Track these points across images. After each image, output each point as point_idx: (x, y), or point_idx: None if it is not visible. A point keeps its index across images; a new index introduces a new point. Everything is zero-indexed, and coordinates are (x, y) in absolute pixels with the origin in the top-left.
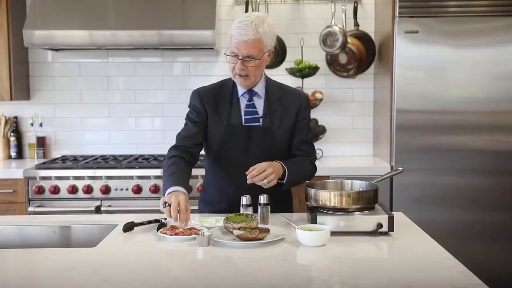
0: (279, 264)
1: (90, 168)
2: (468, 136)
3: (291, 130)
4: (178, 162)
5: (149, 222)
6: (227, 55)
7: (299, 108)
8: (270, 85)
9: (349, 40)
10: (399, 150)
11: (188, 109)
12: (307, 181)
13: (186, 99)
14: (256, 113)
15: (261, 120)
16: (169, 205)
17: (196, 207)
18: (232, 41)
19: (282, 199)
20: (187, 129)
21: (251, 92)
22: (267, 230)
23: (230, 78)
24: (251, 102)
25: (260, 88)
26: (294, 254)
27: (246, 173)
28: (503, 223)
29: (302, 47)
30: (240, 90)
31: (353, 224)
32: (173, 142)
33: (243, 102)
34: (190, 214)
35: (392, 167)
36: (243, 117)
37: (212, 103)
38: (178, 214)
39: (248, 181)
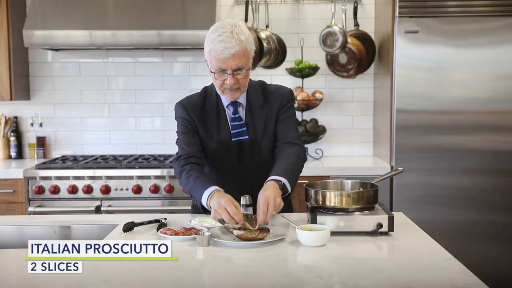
0: (279, 264)
1: (90, 168)
2: (468, 136)
3: (274, 134)
4: (196, 167)
5: (149, 222)
6: (213, 72)
7: (279, 106)
8: (252, 88)
9: (349, 40)
10: (399, 150)
11: (177, 122)
12: (307, 181)
13: None
14: (243, 125)
15: (247, 132)
16: (222, 219)
17: (189, 207)
18: (216, 57)
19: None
20: (186, 138)
21: (235, 104)
22: (267, 230)
23: (211, 86)
24: (237, 115)
25: (242, 98)
26: (294, 254)
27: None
28: (503, 223)
29: (302, 47)
30: (225, 101)
31: (353, 224)
32: (173, 142)
33: (229, 115)
34: (239, 209)
35: (392, 167)
36: (231, 132)
37: (198, 116)
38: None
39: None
